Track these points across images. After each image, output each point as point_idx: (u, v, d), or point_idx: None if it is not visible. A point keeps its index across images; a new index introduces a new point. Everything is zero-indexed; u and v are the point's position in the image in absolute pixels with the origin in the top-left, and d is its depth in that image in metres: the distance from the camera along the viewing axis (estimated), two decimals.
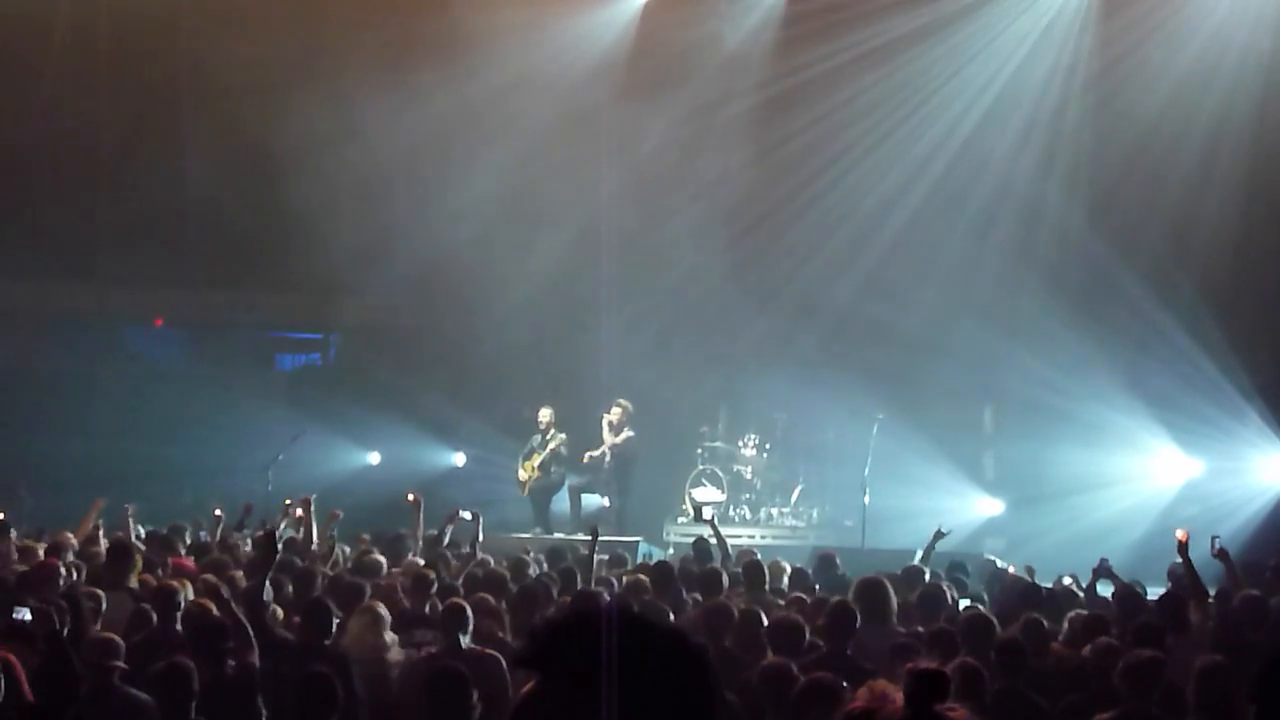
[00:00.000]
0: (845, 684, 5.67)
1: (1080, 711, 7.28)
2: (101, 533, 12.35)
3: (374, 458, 20.39)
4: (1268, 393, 17.32)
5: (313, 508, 12.48)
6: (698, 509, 15.63)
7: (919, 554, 12.30)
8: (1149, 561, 13.38)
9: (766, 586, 10.32)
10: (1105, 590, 11.31)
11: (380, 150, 19.55)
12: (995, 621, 8.37)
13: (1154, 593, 10.87)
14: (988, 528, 18.01)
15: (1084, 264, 18.37)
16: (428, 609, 9.29)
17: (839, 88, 19.06)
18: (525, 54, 19.30)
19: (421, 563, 11.23)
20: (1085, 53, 18.67)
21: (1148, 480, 17.82)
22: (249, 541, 12.03)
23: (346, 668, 7.54)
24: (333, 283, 20.90)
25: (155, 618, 8.54)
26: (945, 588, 10.08)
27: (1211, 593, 9.98)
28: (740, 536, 16.39)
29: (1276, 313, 17.77)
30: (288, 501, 13.43)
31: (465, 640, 8.05)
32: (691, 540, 13.39)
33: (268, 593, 8.54)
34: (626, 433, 17.62)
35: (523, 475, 17.85)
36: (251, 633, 7.84)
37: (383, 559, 11.27)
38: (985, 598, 10.77)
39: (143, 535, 12.26)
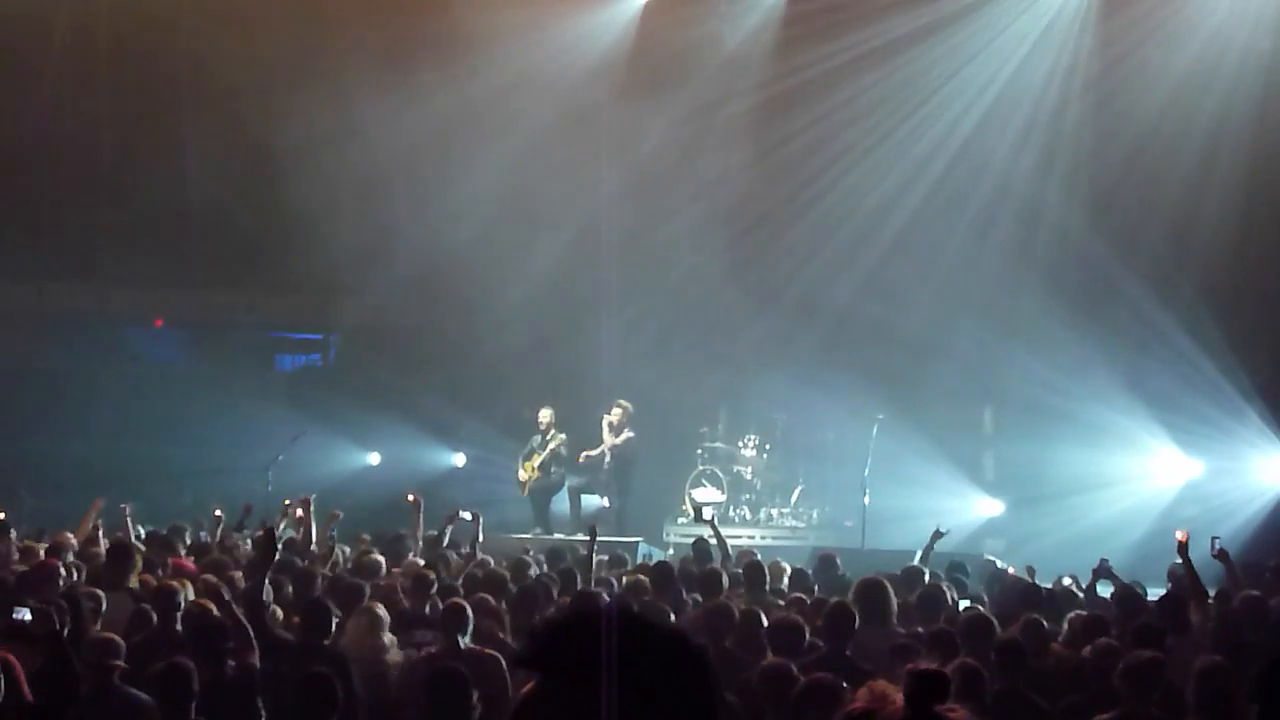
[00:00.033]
0: (845, 684, 5.67)
1: (1080, 712, 7.27)
2: (101, 533, 12.35)
3: (374, 458, 20.39)
4: (1267, 393, 17.31)
5: (312, 508, 12.48)
6: (698, 509, 15.63)
7: (919, 554, 12.30)
8: (1149, 562, 13.37)
9: (767, 587, 10.32)
10: (1105, 591, 11.31)
11: (380, 150, 19.56)
12: (995, 622, 8.37)
13: (1154, 593, 10.87)
14: (988, 528, 18.00)
15: (1084, 264, 18.36)
16: (428, 609, 9.29)
17: (839, 88, 19.06)
18: (525, 54, 19.30)
19: (422, 563, 11.23)
20: (1085, 53, 18.66)
21: (1147, 481, 17.81)
22: (249, 542, 12.03)
23: (346, 668, 7.54)
24: (333, 283, 20.90)
25: (155, 618, 8.53)
26: (945, 588, 10.07)
27: (1211, 593, 9.98)
28: (740, 537, 16.38)
29: (1276, 313, 17.76)
30: (286, 502, 13.43)
31: (465, 640, 8.05)
32: (691, 541, 13.39)
33: (267, 593, 8.55)
34: (627, 433, 17.62)
35: (523, 476, 17.84)
36: (251, 633, 7.85)
37: (382, 559, 11.27)
38: (985, 598, 10.77)
39: (143, 535, 12.25)
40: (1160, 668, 7.01)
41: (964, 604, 9.98)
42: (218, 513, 13.21)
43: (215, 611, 8.20)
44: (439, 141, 19.38)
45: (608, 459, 17.67)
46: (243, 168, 19.88)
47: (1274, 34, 17.80)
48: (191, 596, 8.87)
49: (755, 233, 19.64)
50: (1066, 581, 11.61)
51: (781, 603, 9.71)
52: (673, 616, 9.14)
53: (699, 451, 18.86)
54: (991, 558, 13.54)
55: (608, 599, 8.79)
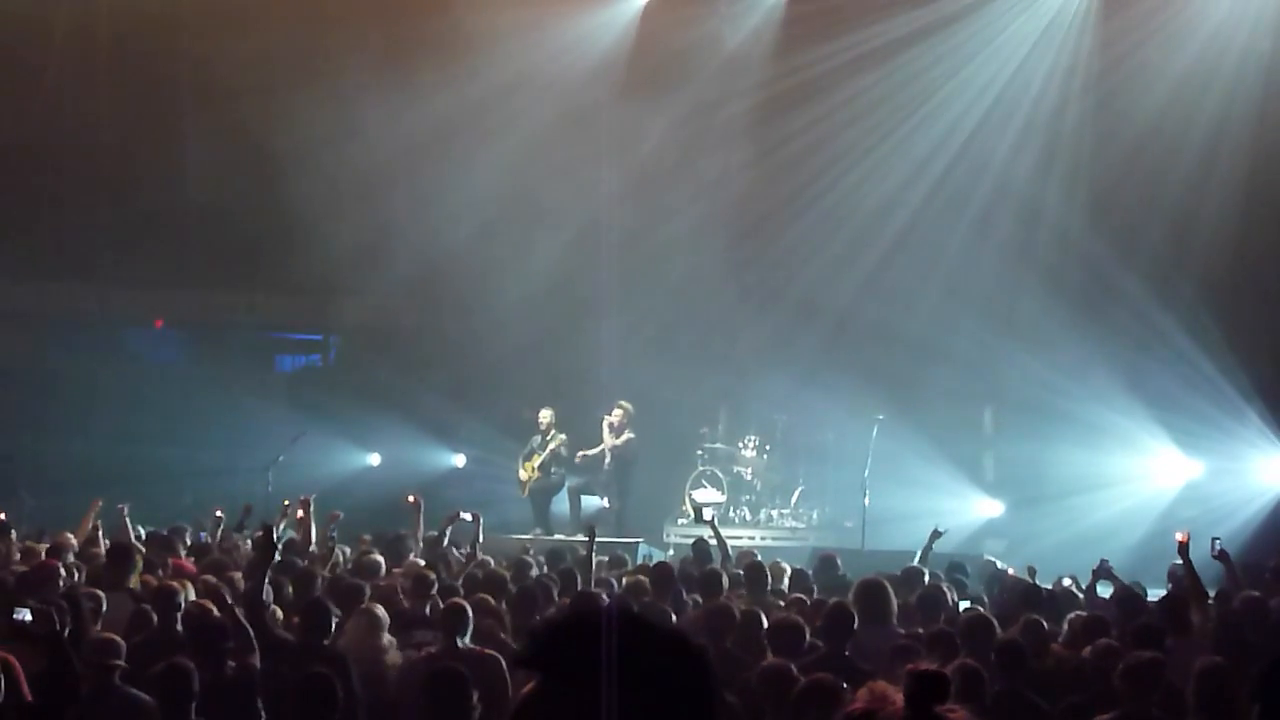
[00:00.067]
0: (845, 685, 5.67)
1: (1080, 712, 7.27)
2: (101, 533, 12.35)
3: (374, 459, 20.39)
4: (1267, 393, 17.31)
5: (312, 508, 12.48)
6: (698, 510, 15.62)
7: (918, 555, 12.29)
8: (1149, 563, 13.38)
9: (768, 588, 10.33)
10: (1105, 591, 11.30)
11: (380, 150, 19.56)
12: (995, 622, 8.37)
13: (1154, 594, 10.87)
14: (988, 529, 18.00)
15: (1084, 264, 18.36)
16: (428, 610, 9.29)
17: (839, 88, 19.06)
18: (525, 54, 19.30)
19: (422, 564, 11.23)
20: (1085, 53, 18.66)
21: (1147, 481, 17.81)
22: (249, 542, 12.03)
23: (346, 668, 7.54)
24: (333, 283, 20.91)
25: (155, 618, 8.54)
26: (945, 589, 10.07)
27: (1211, 594, 9.98)
28: (740, 538, 16.37)
29: (1276, 313, 17.76)
30: (286, 503, 13.42)
31: (465, 641, 8.05)
32: (691, 542, 13.38)
33: (267, 593, 8.55)
34: (627, 434, 17.61)
35: (523, 476, 17.84)
36: (251, 634, 7.85)
37: (381, 559, 11.27)
38: (985, 599, 10.77)
39: (143, 536, 12.25)
40: (1160, 668, 7.02)
41: (964, 604, 9.99)
42: (218, 513, 13.21)
43: (215, 612, 8.20)
44: (439, 141, 19.38)
45: (608, 460, 17.66)
46: (243, 168, 19.87)
47: (1274, 34, 17.80)
48: (192, 597, 8.88)
49: (755, 233, 19.64)
50: (1066, 582, 11.61)
51: (782, 603, 9.71)
52: (674, 617, 9.13)
53: (699, 452, 18.86)
54: (991, 558, 13.53)
55: (607, 600, 8.79)
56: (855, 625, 8.11)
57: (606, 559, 12.45)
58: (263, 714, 7.36)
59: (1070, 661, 8.34)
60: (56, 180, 20.72)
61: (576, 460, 17.73)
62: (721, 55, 19.74)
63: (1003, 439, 18.95)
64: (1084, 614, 9.38)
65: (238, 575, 10.06)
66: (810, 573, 11.51)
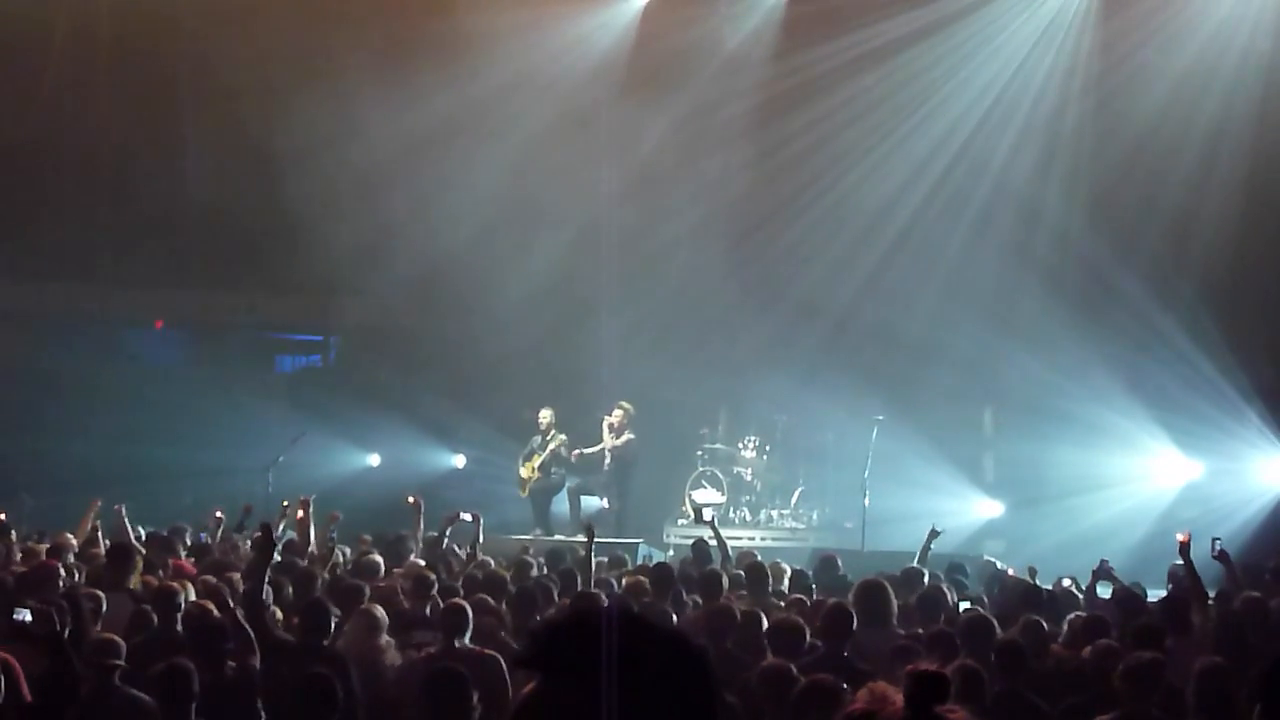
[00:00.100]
0: (845, 685, 5.67)
1: (1080, 713, 7.27)
2: (101, 534, 12.35)
3: (374, 459, 20.38)
4: (1267, 394, 17.31)
5: (311, 509, 12.48)
6: (698, 511, 15.62)
7: (917, 555, 12.29)
8: (1149, 563, 13.37)
9: (769, 589, 10.33)
10: (1105, 592, 11.30)
11: (380, 150, 19.56)
12: (995, 623, 8.37)
13: (1154, 595, 10.87)
14: (987, 529, 18.00)
15: (1084, 265, 18.37)
16: (428, 610, 9.29)
17: (839, 88, 19.07)
18: (526, 54, 19.31)
19: (423, 564, 11.23)
20: (1085, 54, 18.67)
21: (1147, 482, 17.81)
22: (249, 543, 12.02)
23: (346, 669, 7.54)
24: (333, 283, 20.91)
25: (155, 619, 8.54)
26: (945, 589, 10.07)
27: (1211, 595, 9.97)
28: (740, 538, 16.36)
29: (1276, 313, 17.76)
30: (285, 504, 13.42)
31: (465, 641, 8.05)
32: (691, 542, 13.38)
33: (267, 594, 8.55)
34: (627, 435, 17.61)
35: (523, 475, 17.84)
36: (251, 634, 7.85)
37: (380, 559, 11.27)
38: (985, 599, 10.77)
39: (143, 537, 12.25)
40: (1160, 669, 7.01)
41: (964, 605, 9.98)
42: (218, 514, 13.21)
43: (215, 613, 8.20)
44: (439, 141, 19.37)
45: (608, 460, 17.66)
46: (243, 168, 19.88)
47: (1274, 35, 17.80)
48: (192, 597, 8.88)
49: (755, 233, 19.63)
50: (1066, 583, 11.61)
51: (782, 604, 9.71)
52: (674, 618, 9.13)
53: (699, 453, 18.85)
54: (991, 559, 13.53)
55: (607, 600, 8.79)
56: (854, 626, 8.11)
57: (606, 560, 12.45)
58: (263, 714, 7.36)
59: (1070, 662, 8.34)
60: (56, 180, 20.73)
61: (572, 458, 17.70)
62: (721, 55, 19.74)
63: (1002, 439, 18.95)
64: (1084, 614, 9.38)
65: (237, 576, 10.06)
66: (810, 573, 11.50)
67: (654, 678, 2.38)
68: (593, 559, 11.14)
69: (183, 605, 8.57)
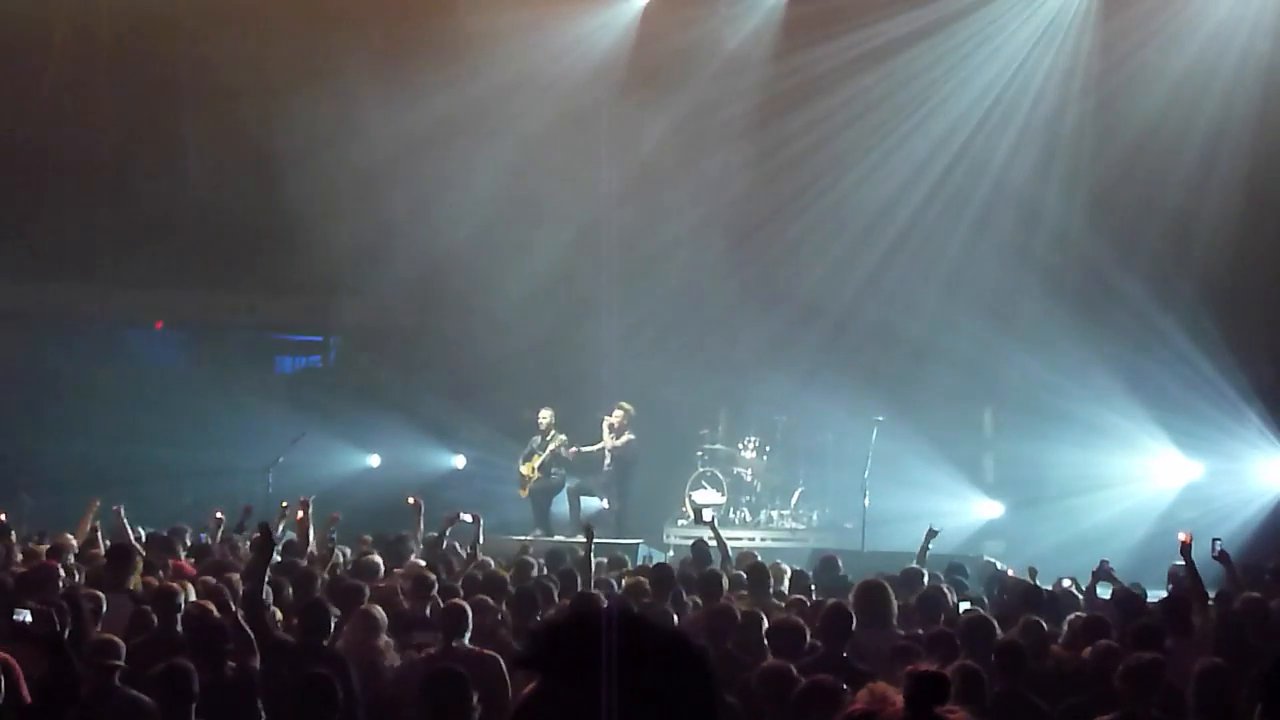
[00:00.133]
0: (845, 686, 5.67)
1: (1080, 713, 7.27)
2: (100, 534, 12.35)
3: (374, 460, 20.38)
4: (1267, 394, 17.31)
5: (311, 509, 12.48)
6: (698, 511, 15.62)
7: (916, 555, 12.29)
8: (1149, 564, 13.37)
9: (770, 589, 10.33)
10: (1105, 593, 11.30)
11: (380, 150, 19.57)
12: (995, 624, 8.37)
13: (1154, 595, 10.87)
14: (987, 530, 18.00)
15: (1084, 265, 18.37)
16: (428, 611, 9.29)
17: (839, 88, 19.07)
18: (526, 54, 19.31)
19: (423, 564, 11.23)
20: (1085, 54, 18.67)
21: (1147, 482, 17.81)
22: (249, 544, 12.02)
23: (346, 669, 7.54)
24: (333, 284, 20.91)
25: (155, 619, 8.54)
26: (945, 590, 10.07)
27: (1211, 595, 9.97)
28: (740, 539, 16.35)
29: (1276, 313, 17.77)
30: (284, 505, 13.41)
31: (464, 642, 8.05)
32: (691, 543, 13.38)
33: (267, 594, 8.55)
34: (627, 436, 17.60)
35: (524, 472, 17.84)
36: (251, 635, 7.85)
37: (380, 560, 11.27)
38: (985, 600, 10.76)
39: (143, 537, 12.25)
40: (1160, 669, 7.01)
41: (964, 606, 9.98)
42: (219, 514, 13.21)
43: (215, 613, 8.20)
44: (439, 141, 19.37)
45: (608, 461, 17.65)
46: (243, 168, 19.88)
47: (1274, 35, 17.79)
48: (192, 598, 8.88)
49: (755, 233, 19.64)
50: (1066, 583, 11.61)
51: (783, 604, 9.71)
52: (675, 619, 9.13)
53: (699, 453, 18.85)
54: (991, 559, 13.54)
55: (607, 601, 8.79)
56: (853, 626, 8.11)
57: (606, 560, 12.44)
58: (262, 715, 7.36)
59: (1070, 663, 8.34)
60: (56, 180, 20.73)
61: (568, 455, 17.69)
62: (721, 56, 19.74)
63: (1002, 440, 18.96)
64: (1084, 615, 9.38)
65: (237, 577, 10.06)
66: (810, 574, 11.50)
67: (654, 678, 2.38)
68: (592, 559, 11.15)
69: (183, 606, 8.56)
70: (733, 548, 12.91)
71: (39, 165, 20.57)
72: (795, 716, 5.84)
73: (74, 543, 11.73)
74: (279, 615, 8.90)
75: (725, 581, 10.23)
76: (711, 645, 7.86)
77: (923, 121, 19.14)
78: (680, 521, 18.05)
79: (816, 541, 16.98)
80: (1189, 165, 17.67)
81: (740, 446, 18.88)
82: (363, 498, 17.46)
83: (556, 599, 9.67)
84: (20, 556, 11.23)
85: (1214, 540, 10.52)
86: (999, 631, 8.14)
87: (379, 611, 8.62)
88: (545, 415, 17.84)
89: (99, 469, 17.33)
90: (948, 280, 18.51)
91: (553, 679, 2.42)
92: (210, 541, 12.62)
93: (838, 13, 18.78)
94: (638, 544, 15.98)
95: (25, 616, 7.26)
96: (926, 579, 10.56)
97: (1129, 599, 10.25)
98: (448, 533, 12.82)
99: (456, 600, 8.75)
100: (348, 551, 12.39)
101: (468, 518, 12.97)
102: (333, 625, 8.31)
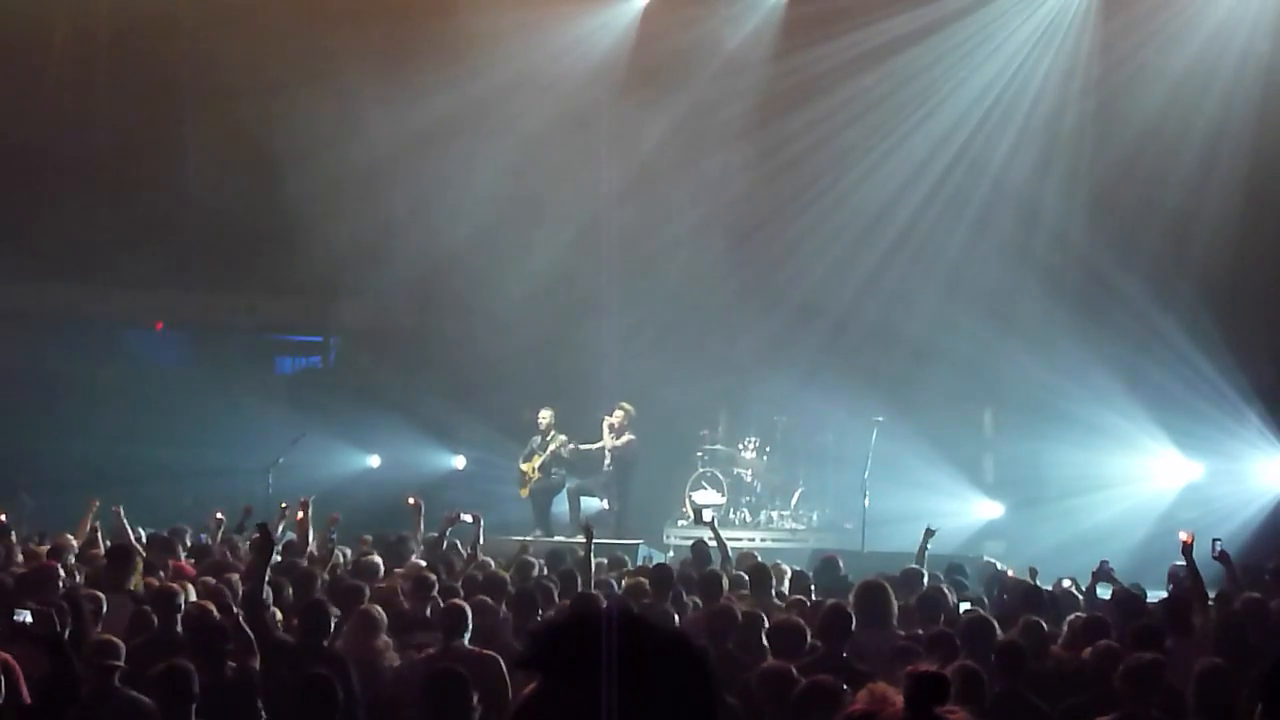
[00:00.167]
0: (845, 686, 5.67)
1: (1080, 714, 7.27)
2: (100, 535, 12.35)
3: (374, 460, 20.38)
4: (1267, 394, 17.31)
5: (311, 510, 12.48)
6: (698, 512, 15.62)
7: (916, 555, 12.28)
8: (1149, 564, 13.37)
9: (771, 590, 10.33)
10: (1105, 593, 11.30)
11: (381, 150, 19.56)
12: (995, 624, 8.37)
13: (1154, 596, 10.87)
14: (988, 530, 18.00)
15: (1083, 266, 18.37)
16: (428, 611, 9.29)
17: (839, 88, 19.07)
18: (526, 54, 19.31)
19: (423, 565, 11.23)
20: (1085, 54, 18.67)
21: (1147, 483, 17.81)
22: (249, 544, 12.02)
23: (346, 669, 7.54)
24: (333, 284, 20.90)
25: (155, 620, 8.54)
26: (945, 590, 10.07)
27: (1211, 595, 9.97)
28: (740, 539, 16.36)
29: (1277, 313, 17.76)
30: (284, 505, 13.41)
31: (465, 642, 8.05)
32: (691, 543, 13.38)
33: (266, 594, 8.55)
34: (627, 436, 17.60)
35: (523, 471, 17.84)
36: (251, 635, 7.85)
37: (380, 560, 11.27)
38: (985, 600, 10.76)
39: (143, 538, 12.25)
40: (1160, 669, 7.01)
41: (964, 606, 9.98)
42: (219, 515, 13.21)
43: (215, 614, 8.20)
44: (439, 141, 19.37)
45: (608, 461, 17.65)
46: (243, 168, 19.86)
47: (1274, 35, 17.79)
48: (192, 598, 8.88)
49: (755, 233, 19.65)
50: (1066, 584, 11.61)
51: (783, 605, 9.71)
52: (675, 619, 9.14)
53: (699, 454, 18.85)
54: (992, 560, 13.54)
55: (607, 601, 8.79)
56: (852, 626, 8.11)
57: (606, 560, 12.44)
58: (262, 715, 7.36)
59: (1070, 663, 8.34)
60: (56, 180, 20.72)
61: (567, 452, 17.68)
62: (721, 56, 19.74)
63: (1002, 440, 18.96)
64: (1084, 615, 9.38)
65: (237, 577, 10.06)
66: (810, 574, 11.50)
67: (654, 679, 2.38)
68: (592, 560, 11.15)
69: (183, 606, 8.57)
70: (733, 548, 12.90)
71: (39, 165, 20.56)
72: (795, 717, 5.84)
73: (74, 543, 11.72)
74: (279, 616, 8.90)
75: (725, 582, 10.24)
76: (712, 646, 7.87)
77: (923, 121, 19.14)
78: (680, 522, 18.05)
79: (816, 542, 16.97)
80: (1189, 165, 17.67)
81: (740, 447, 18.88)
82: (363, 498, 17.46)
83: (556, 599, 9.67)
84: (20, 557, 11.23)
85: (1214, 540, 10.52)
86: (999, 632, 8.14)
87: (379, 612, 8.62)
88: (545, 415, 17.84)
89: (99, 469, 17.32)
90: (947, 280, 18.51)
91: (553, 679, 2.42)
92: (210, 542, 12.63)
93: (838, 13, 18.78)
94: (638, 544, 15.98)
95: (25, 617, 7.26)
96: (926, 579, 10.56)
97: (1129, 599, 10.24)
98: (448, 533, 12.82)
99: (456, 600, 8.75)
100: (348, 552, 12.39)
101: (468, 518, 12.97)
102: (333, 625, 8.31)
